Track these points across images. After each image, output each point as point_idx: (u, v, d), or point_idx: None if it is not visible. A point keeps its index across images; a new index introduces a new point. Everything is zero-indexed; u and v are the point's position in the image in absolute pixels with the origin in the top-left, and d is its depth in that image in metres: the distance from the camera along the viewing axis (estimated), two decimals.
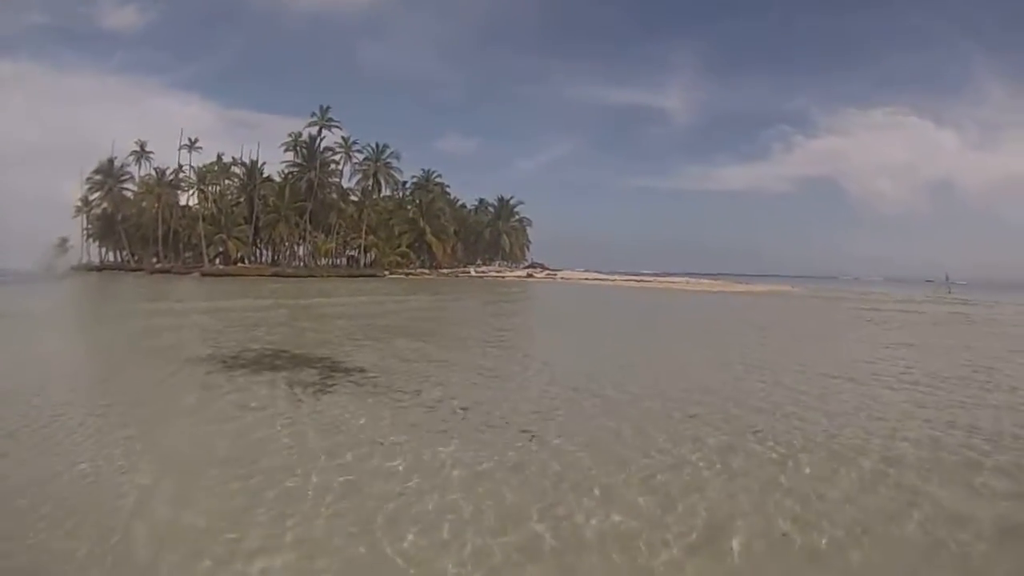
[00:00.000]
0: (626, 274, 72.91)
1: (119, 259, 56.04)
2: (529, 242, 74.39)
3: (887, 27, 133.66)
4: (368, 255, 55.85)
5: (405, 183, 60.89)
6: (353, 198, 55.46)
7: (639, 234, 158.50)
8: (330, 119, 53.11)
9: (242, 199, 52.98)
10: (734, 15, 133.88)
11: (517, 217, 70.70)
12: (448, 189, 65.20)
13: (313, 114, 52.96)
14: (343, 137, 54.49)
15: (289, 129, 54.84)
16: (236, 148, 70.54)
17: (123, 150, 53.78)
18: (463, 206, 67.83)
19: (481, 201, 70.23)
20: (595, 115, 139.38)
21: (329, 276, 45.61)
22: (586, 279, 63.23)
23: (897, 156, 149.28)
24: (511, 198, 70.24)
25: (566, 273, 67.14)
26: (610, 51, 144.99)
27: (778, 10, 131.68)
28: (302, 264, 52.71)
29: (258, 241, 53.13)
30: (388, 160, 57.45)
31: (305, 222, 51.25)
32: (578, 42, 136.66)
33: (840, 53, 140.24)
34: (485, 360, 9.62)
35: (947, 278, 69.32)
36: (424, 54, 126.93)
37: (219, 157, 55.92)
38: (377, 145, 57.33)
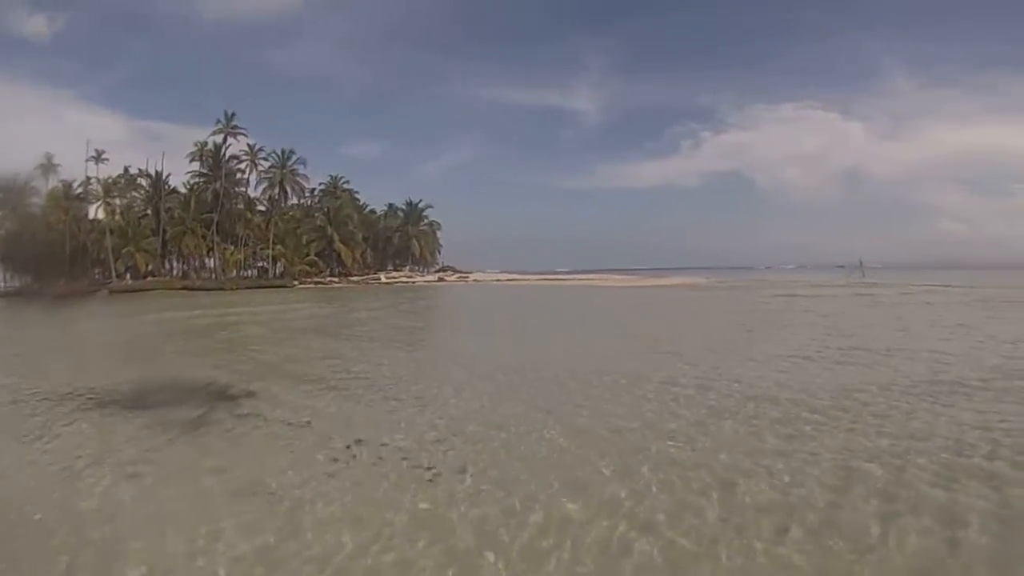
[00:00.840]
0: (540, 274, 76.59)
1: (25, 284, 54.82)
2: (440, 245, 77.14)
3: (792, 23, 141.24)
4: (277, 265, 57.19)
5: (313, 190, 62.39)
6: (261, 207, 56.56)
7: (554, 234, 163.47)
8: (235, 126, 53.97)
9: (148, 211, 53.32)
10: (641, 13, 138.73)
11: (427, 221, 73.05)
12: (357, 195, 67.20)
13: (218, 121, 53.52)
14: (249, 144, 55.46)
15: (197, 138, 55.01)
16: (143, 159, 70.09)
17: (29, 164, 53.10)
18: (372, 211, 69.65)
19: (390, 206, 72.31)
20: (505, 115, 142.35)
21: (237, 288, 46.81)
22: (498, 280, 66.58)
23: (806, 148, 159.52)
24: (420, 201, 72.49)
25: (478, 275, 70.44)
26: (517, 51, 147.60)
27: (683, 8, 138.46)
28: (212, 276, 53.70)
29: (167, 253, 53.79)
30: (294, 167, 58.98)
31: (212, 233, 52.31)
32: (486, 42, 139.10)
33: (747, 50, 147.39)
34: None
35: (860, 263, 70.18)
36: (332, 57, 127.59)
37: (126, 170, 56.01)
38: (283, 152, 58.80)
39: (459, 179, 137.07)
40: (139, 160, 70.47)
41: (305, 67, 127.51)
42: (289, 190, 58.49)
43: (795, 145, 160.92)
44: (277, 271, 57.16)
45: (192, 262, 56.35)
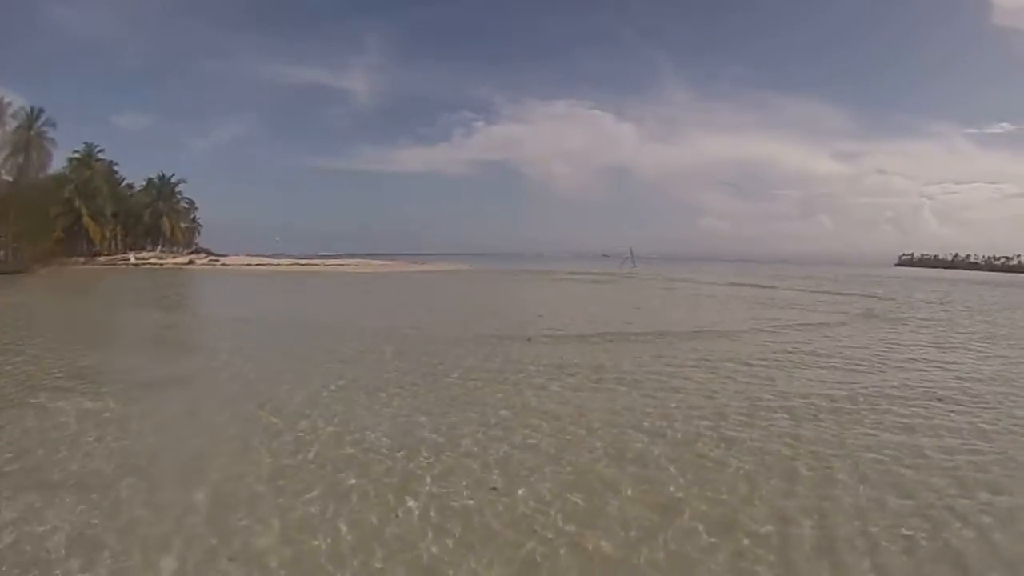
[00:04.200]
0: (297, 258, 75.80)
1: None
2: (200, 226, 78.08)
3: (577, 27, 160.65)
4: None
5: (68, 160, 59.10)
6: (7, 177, 52.68)
7: (319, 216, 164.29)
8: None
9: None
10: (427, 3, 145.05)
11: (181, 197, 73.01)
12: (116, 167, 65.34)
13: None
14: None
15: None
16: None
17: None
18: (129, 186, 68.12)
19: (150, 181, 70.13)
20: (278, 94, 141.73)
21: None
22: (248, 265, 66.75)
23: (577, 144, 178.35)
24: (172, 176, 71.12)
25: (229, 259, 71.34)
26: (298, 30, 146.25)
27: (468, 3, 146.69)
28: None
29: None
30: (43, 129, 56.08)
31: None
32: (265, 18, 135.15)
33: (528, 47, 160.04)
34: None
35: (631, 252, 72.85)
36: (111, 22, 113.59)
37: None
38: (32, 110, 54.84)
39: (228, 157, 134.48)
40: None
41: (82, 29, 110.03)
42: (35, 156, 55.75)
43: (566, 140, 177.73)
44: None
45: None
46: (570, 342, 14.00)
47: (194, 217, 77.07)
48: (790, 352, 13.08)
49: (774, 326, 17.79)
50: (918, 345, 14.95)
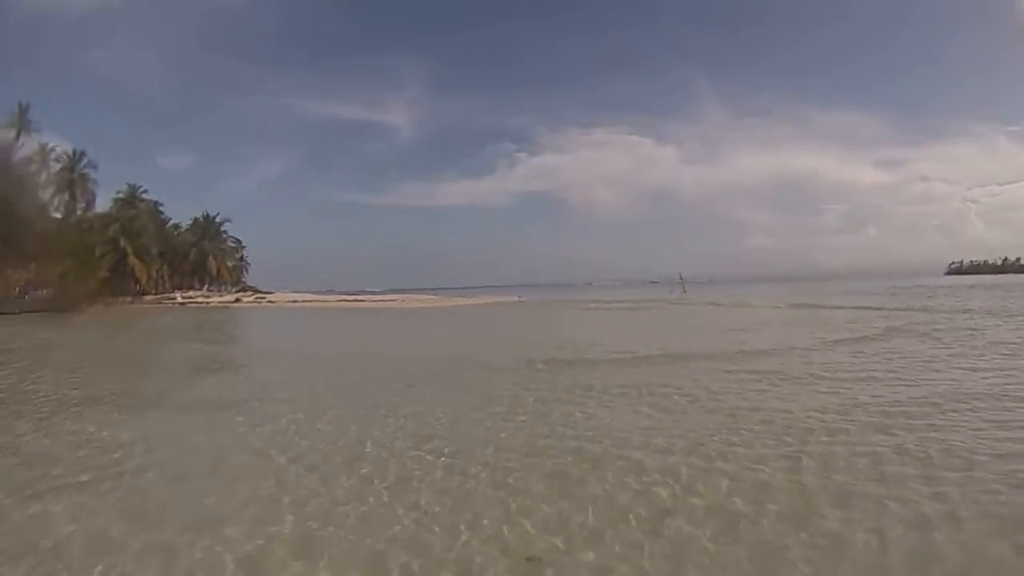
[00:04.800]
0: (344, 294, 76.86)
1: None
2: (247, 264, 76.60)
3: (607, 49, 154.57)
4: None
5: (114, 200, 59.00)
6: (56, 215, 52.22)
7: (364, 253, 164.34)
8: (29, 120, 48.72)
9: None
10: (461, 34, 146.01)
11: (226, 236, 71.97)
12: (161, 207, 64.81)
13: (12, 114, 47.64)
14: (40, 144, 50.98)
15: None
16: None
17: None
18: (175, 226, 67.60)
19: (195, 220, 69.75)
20: (318, 130, 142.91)
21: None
22: (294, 302, 65.72)
23: (618, 169, 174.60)
24: (216, 215, 70.35)
25: (275, 296, 72.00)
26: (334, 64, 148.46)
27: (502, 33, 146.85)
28: None
29: None
30: (84, 170, 55.79)
31: None
32: (301, 54, 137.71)
33: (561, 72, 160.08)
34: None
35: (680, 277, 72.16)
36: (147, 63, 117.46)
37: None
38: (73, 152, 55.15)
39: (270, 195, 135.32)
40: None
41: (119, 71, 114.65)
42: (78, 195, 55.23)
43: (608, 166, 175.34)
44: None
45: None
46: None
47: (241, 256, 75.86)
48: None
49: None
50: None
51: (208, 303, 60.41)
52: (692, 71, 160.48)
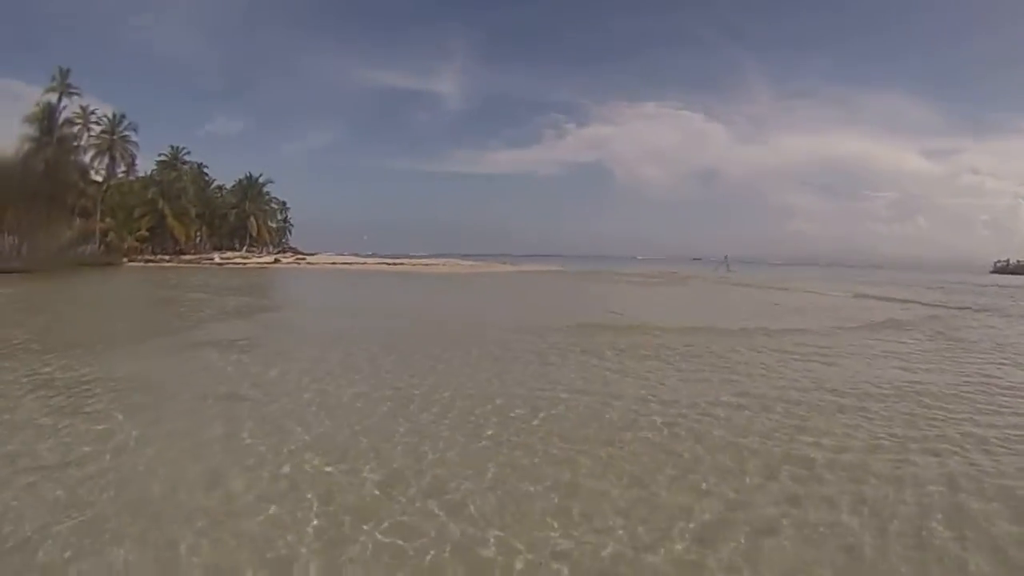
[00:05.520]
0: (384, 257, 76.93)
1: None
2: (291, 225, 77.60)
3: (658, 28, 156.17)
4: (107, 239, 54.03)
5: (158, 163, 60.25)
6: (97, 177, 53.87)
7: (409, 218, 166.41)
8: (69, 84, 49.68)
9: None
10: (510, 5, 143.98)
11: (267, 198, 72.30)
12: (206, 169, 65.70)
13: (53, 78, 48.73)
14: (81, 107, 52.24)
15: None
16: None
17: None
18: (219, 187, 68.30)
19: (239, 182, 70.21)
20: (369, 98, 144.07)
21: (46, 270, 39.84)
22: (333, 263, 66.36)
23: (667, 145, 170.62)
24: (259, 176, 70.37)
25: (316, 258, 72.26)
26: (385, 35, 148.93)
27: (555, 6, 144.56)
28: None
29: None
30: (125, 133, 57.19)
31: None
32: (353, 23, 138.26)
33: (609, 49, 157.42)
34: None
35: (726, 258, 73.71)
36: (192, 31, 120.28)
37: None
38: (113, 116, 56.40)
39: (321, 160, 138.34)
40: None
41: (170, 43, 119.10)
42: (118, 158, 56.65)
43: (658, 140, 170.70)
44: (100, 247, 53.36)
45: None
46: None
47: (285, 217, 76.52)
48: None
49: None
50: None
51: (246, 264, 60.93)
52: (742, 52, 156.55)
